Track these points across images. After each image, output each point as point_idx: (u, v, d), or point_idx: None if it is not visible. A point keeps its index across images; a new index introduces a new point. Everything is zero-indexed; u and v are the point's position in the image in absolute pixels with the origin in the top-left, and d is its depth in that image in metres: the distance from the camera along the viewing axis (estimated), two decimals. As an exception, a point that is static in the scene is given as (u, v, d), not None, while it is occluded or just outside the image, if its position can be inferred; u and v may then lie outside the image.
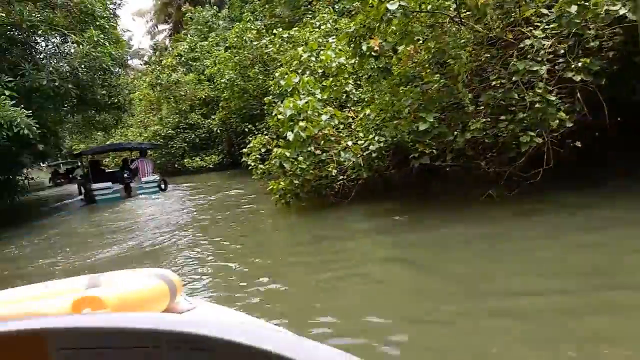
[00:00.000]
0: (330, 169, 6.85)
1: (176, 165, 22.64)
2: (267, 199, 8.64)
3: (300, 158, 6.92)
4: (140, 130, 24.74)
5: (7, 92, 8.68)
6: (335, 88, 8.43)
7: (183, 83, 22.12)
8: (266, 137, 9.86)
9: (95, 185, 14.28)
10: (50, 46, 11.59)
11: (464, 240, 4.85)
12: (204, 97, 22.06)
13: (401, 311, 3.43)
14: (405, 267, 4.47)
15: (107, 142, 24.05)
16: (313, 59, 9.63)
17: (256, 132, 16.12)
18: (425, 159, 5.91)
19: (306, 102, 6.96)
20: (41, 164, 22.35)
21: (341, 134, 7.30)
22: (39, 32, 10.31)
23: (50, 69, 10.83)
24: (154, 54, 31.02)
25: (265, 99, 9.56)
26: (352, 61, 8.32)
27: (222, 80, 16.19)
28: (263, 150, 10.10)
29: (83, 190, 15.89)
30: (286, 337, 0.46)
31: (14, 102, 8.74)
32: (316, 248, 5.71)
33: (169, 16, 36.07)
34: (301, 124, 6.67)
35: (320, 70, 9.43)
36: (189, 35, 26.12)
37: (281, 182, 7.56)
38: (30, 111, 9.12)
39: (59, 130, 15.46)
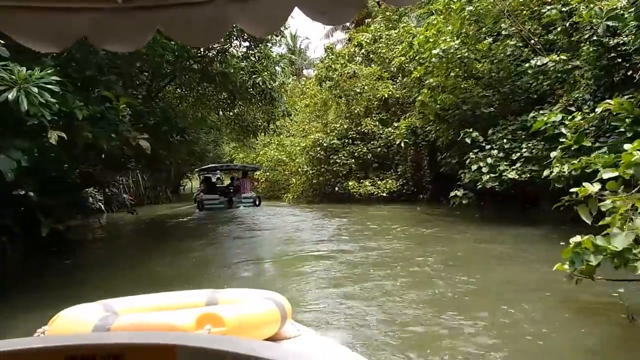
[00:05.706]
0: None
1: (337, 189, 16.54)
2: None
3: None
4: (299, 140, 19.69)
5: None
6: None
7: (360, 77, 16.06)
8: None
9: (205, 196, 17.43)
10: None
11: None
12: (385, 96, 15.59)
13: None
14: None
15: (261, 152, 23.76)
16: None
17: (484, 145, 8.73)
18: None
19: None
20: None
21: None
22: None
23: None
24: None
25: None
26: None
27: (434, 52, 9.09)
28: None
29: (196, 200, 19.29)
30: None
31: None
32: None
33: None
34: None
35: None
36: (373, 25, 20.22)
37: None
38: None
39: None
